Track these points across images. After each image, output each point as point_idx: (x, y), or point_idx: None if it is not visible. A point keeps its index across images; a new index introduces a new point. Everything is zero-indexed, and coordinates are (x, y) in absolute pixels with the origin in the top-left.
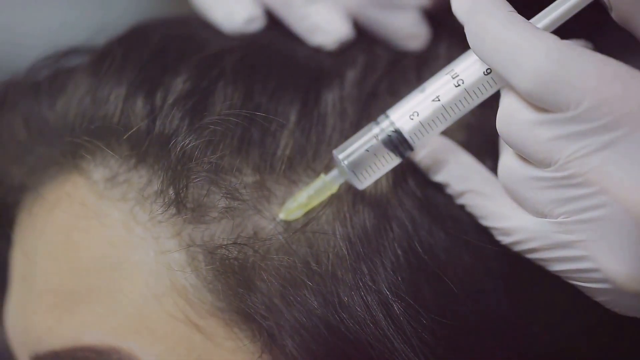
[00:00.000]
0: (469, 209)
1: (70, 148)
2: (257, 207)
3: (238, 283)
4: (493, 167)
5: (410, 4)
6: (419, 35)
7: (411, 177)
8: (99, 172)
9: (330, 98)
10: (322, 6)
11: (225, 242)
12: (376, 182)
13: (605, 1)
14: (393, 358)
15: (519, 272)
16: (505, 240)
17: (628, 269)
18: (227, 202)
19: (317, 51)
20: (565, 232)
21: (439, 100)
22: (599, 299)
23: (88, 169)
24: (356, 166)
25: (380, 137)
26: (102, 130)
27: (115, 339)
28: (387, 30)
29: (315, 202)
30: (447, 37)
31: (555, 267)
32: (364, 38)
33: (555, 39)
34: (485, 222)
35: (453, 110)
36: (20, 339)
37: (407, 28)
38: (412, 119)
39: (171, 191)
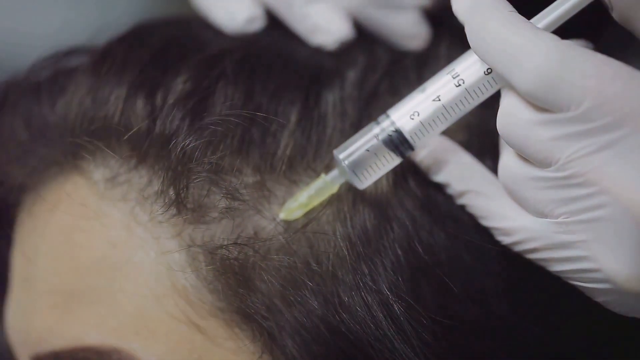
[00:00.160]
0: (469, 209)
1: (70, 148)
2: (258, 207)
3: (238, 283)
4: (493, 167)
5: (410, 4)
6: (419, 35)
7: (411, 177)
8: (99, 173)
9: (330, 98)
10: (322, 6)
11: (225, 243)
12: (376, 182)
13: (606, 1)
14: (393, 358)
15: (520, 272)
16: (506, 240)
17: (629, 269)
18: (228, 203)
19: (318, 51)
20: (565, 232)
21: (439, 100)
22: (600, 299)
23: (88, 169)
24: (357, 166)
25: (380, 137)
26: (102, 131)
27: (116, 340)
28: (387, 30)
29: (315, 202)
30: (448, 37)
31: (556, 268)
32: (364, 38)
33: (555, 38)
34: (486, 222)
35: (454, 110)
36: (20, 339)
37: (407, 28)
38: (412, 119)
39: (171, 191)
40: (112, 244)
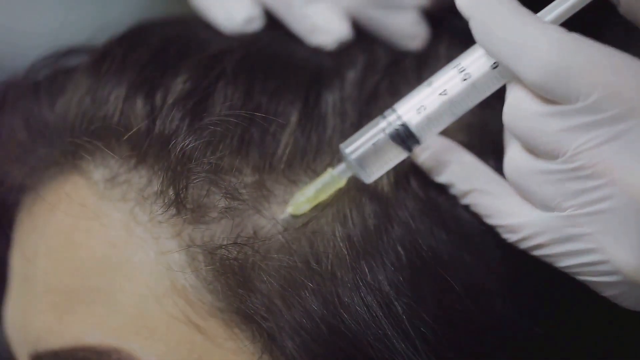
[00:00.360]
0: (474, 208)
1: (70, 148)
2: (257, 207)
3: (238, 284)
4: (495, 167)
5: (409, 4)
6: (418, 35)
7: (413, 177)
8: (99, 173)
9: (330, 98)
10: (321, 6)
11: (225, 242)
12: (377, 182)
13: None
14: (393, 358)
15: (522, 272)
16: (512, 237)
17: (637, 259)
18: (227, 202)
19: (317, 51)
20: (573, 225)
21: (445, 94)
22: (608, 293)
23: (88, 169)
24: (363, 160)
25: (387, 131)
26: (102, 131)
27: (116, 340)
28: (386, 30)
29: (323, 197)
30: (447, 37)
31: (563, 262)
32: (364, 38)
33: (563, 31)
34: (491, 221)
35: (460, 105)
36: (20, 339)
37: (406, 28)
38: (419, 113)
39: (171, 191)
40: (111, 244)
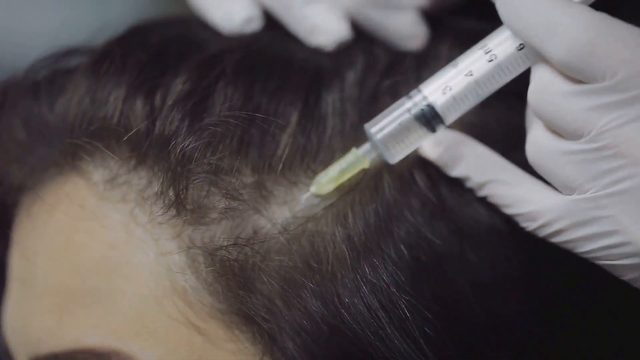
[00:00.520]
0: (491, 199)
1: (69, 149)
2: (257, 208)
3: (238, 285)
4: None
5: (409, 4)
6: (417, 35)
7: (419, 174)
8: (98, 174)
9: (330, 99)
10: (320, 7)
11: (225, 243)
12: (380, 179)
13: None
14: (395, 357)
15: (528, 271)
16: (531, 225)
17: None
18: (227, 203)
19: (317, 52)
20: (595, 207)
21: (472, 75)
22: (628, 276)
23: (88, 170)
24: (388, 140)
25: (413, 112)
26: (101, 132)
27: (116, 341)
28: (386, 31)
29: (346, 177)
30: (447, 37)
31: (584, 247)
32: (363, 38)
33: (590, 10)
34: (510, 210)
35: (485, 86)
36: (19, 341)
37: (406, 28)
38: (444, 94)
39: (171, 192)
40: (111, 245)
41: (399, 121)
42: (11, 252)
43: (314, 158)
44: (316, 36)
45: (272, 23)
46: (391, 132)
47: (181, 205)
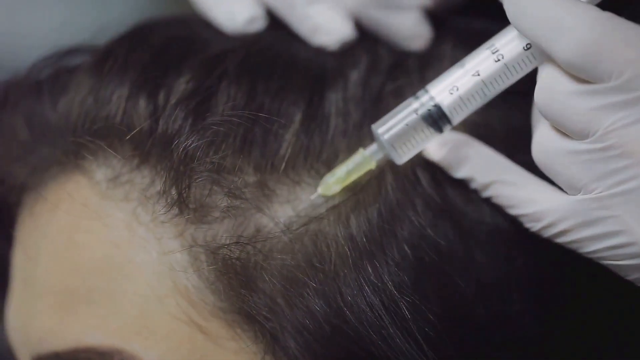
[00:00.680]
0: (495, 200)
1: (72, 148)
2: (259, 206)
3: (240, 283)
4: None
5: (412, 4)
6: (421, 35)
7: (423, 175)
8: (101, 173)
9: (333, 99)
10: (324, 6)
11: (227, 242)
12: (383, 180)
13: None
14: (397, 357)
15: (531, 272)
16: (536, 226)
17: None
18: (229, 202)
19: (320, 51)
20: (600, 207)
21: (478, 75)
22: (633, 276)
23: (90, 169)
24: (395, 141)
25: (420, 112)
26: (104, 131)
27: (118, 340)
28: (389, 31)
29: (353, 177)
30: (450, 37)
31: (589, 247)
32: (367, 38)
33: (596, 10)
34: (515, 211)
35: (492, 86)
36: (21, 340)
37: (409, 28)
38: (451, 94)
39: (174, 191)
40: (114, 244)
41: (406, 122)
42: (14, 251)
43: (317, 158)
44: (319, 36)
45: (275, 23)
46: (398, 132)
47: (184, 204)
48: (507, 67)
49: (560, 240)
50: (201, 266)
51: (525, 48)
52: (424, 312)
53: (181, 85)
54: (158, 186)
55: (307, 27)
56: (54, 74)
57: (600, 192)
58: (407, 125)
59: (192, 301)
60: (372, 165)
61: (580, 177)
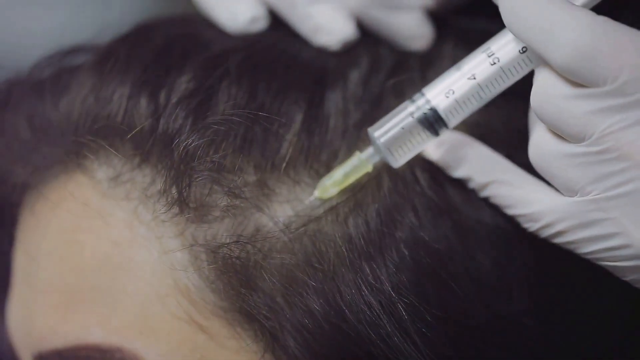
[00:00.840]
0: (493, 200)
1: (73, 147)
2: (259, 206)
3: (240, 282)
4: None
5: (414, 4)
6: (423, 35)
7: (422, 175)
8: (102, 172)
9: (334, 99)
10: (325, 6)
11: (227, 241)
12: (382, 181)
13: None
14: (396, 357)
15: (531, 271)
16: (533, 226)
17: None
18: (229, 201)
19: (321, 51)
20: (596, 209)
21: (474, 78)
22: (629, 277)
23: (92, 168)
24: (391, 144)
25: (415, 115)
26: (105, 130)
27: (119, 338)
28: (391, 31)
29: (350, 180)
30: (452, 37)
31: (585, 249)
32: (368, 38)
33: (591, 14)
34: (512, 211)
35: (488, 89)
36: (23, 338)
37: (411, 28)
38: (447, 97)
39: (174, 190)
40: (115, 243)
41: (401, 125)
42: (16, 250)
43: (318, 158)
44: (321, 36)
45: (277, 23)
46: (394, 135)
47: (184, 203)
48: (503, 71)
49: (558, 241)
50: (201, 265)
51: (521, 51)
52: (422, 313)
53: (182, 84)
54: (159, 185)
55: (308, 27)
56: (56, 73)
57: (596, 195)
58: (403, 128)
59: (193, 300)
60: (368, 168)
61: (576, 180)
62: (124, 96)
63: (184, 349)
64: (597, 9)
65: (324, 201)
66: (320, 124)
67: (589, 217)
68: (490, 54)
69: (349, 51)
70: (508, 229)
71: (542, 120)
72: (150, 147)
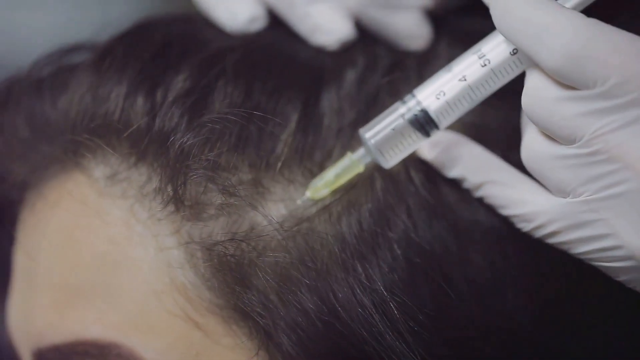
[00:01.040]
0: (487, 200)
1: (71, 146)
2: (253, 204)
3: (235, 280)
4: None
5: (412, 4)
6: (420, 35)
7: (416, 175)
8: (99, 170)
9: (329, 98)
10: (324, 6)
11: (222, 239)
12: (374, 180)
13: None
14: (389, 355)
15: (526, 270)
16: (527, 226)
17: None
18: (224, 199)
19: (319, 51)
20: (588, 211)
21: (465, 80)
22: (622, 278)
23: (89, 167)
24: (382, 145)
25: (406, 117)
26: (102, 128)
27: (116, 334)
28: (389, 31)
29: (341, 181)
30: (449, 37)
31: (578, 249)
32: (365, 38)
33: (581, 16)
34: (506, 211)
35: (479, 90)
36: (22, 334)
37: (409, 28)
38: (438, 99)
39: (170, 188)
40: (112, 241)
41: (392, 126)
42: (15, 249)
43: (311, 157)
44: (319, 35)
45: (276, 22)
46: (385, 137)
47: (179, 201)
48: (494, 72)
49: (551, 241)
50: (197, 263)
51: (512, 53)
52: (415, 312)
53: (179, 83)
54: (155, 183)
55: (307, 27)
56: (55, 71)
57: (588, 196)
58: (394, 129)
59: (189, 297)
60: (360, 168)
61: (568, 182)
62: (121, 95)
63: (180, 345)
64: (596, 9)
65: (317, 201)
66: (316, 123)
67: (580, 218)
68: (481, 56)
69: (345, 51)
70: (502, 229)
71: (534, 122)
72: (146, 145)
